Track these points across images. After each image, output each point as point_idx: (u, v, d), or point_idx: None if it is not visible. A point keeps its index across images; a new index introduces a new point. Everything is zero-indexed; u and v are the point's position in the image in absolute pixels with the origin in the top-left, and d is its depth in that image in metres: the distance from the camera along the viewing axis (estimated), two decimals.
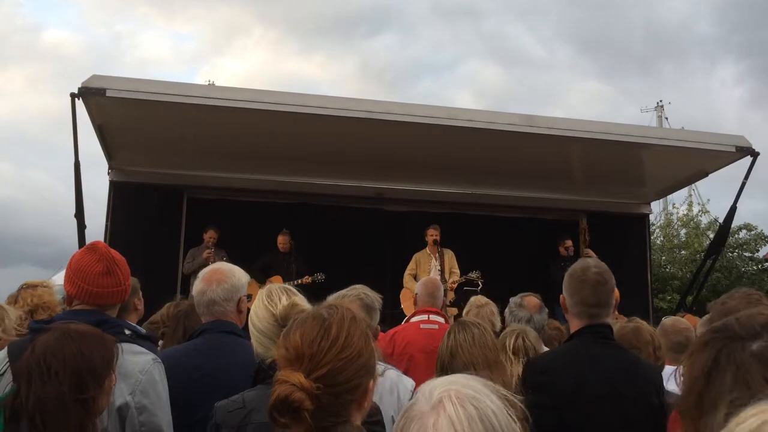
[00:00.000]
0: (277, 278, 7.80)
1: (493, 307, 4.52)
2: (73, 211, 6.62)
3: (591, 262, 2.79)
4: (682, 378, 1.32)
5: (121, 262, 2.47)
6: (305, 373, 1.33)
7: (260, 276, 7.89)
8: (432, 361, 2.97)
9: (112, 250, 2.48)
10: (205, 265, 6.90)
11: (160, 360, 2.36)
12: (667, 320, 3.89)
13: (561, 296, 2.77)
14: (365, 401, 1.43)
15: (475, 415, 1.05)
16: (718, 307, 2.49)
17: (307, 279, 7.75)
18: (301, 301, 2.20)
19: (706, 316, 3.27)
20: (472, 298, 4.84)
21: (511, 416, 1.09)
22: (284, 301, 2.15)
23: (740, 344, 1.23)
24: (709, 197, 22.52)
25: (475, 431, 1.03)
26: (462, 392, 1.09)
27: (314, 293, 2.40)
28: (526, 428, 1.16)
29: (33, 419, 1.67)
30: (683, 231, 21.94)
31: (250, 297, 2.89)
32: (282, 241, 8.26)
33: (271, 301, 2.17)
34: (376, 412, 2.00)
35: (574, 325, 2.70)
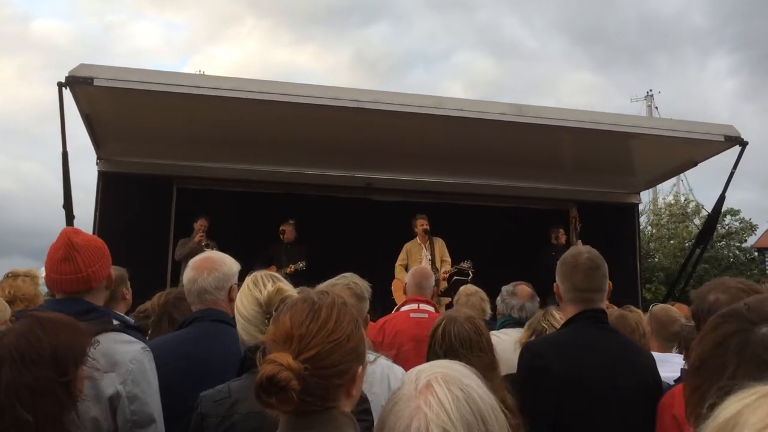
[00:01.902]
0: (273, 269, 7.81)
1: (483, 295, 4.55)
2: (63, 201, 6.61)
3: (583, 248, 2.78)
4: (689, 363, 1.33)
5: (84, 248, 2.34)
6: (293, 355, 1.33)
7: (262, 268, 7.84)
8: (422, 350, 2.96)
9: (80, 236, 2.39)
10: (198, 249, 6.93)
11: (149, 349, 2.33)
12: (657, 308, 3.91)
13: (555, 284, 2.76)
14: (354, 388, 1.42)
15: (461, 397, 1.07)
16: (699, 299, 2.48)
17: (290, 269, 7.74)
18: (287, 287, 2.19)
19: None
20: (462, 288, 4.86)
21: (495, 400, 1.10)
22: (269, 287, 2.15)
23: (750, 328, 1.24)
24: (699, 189, 22.78)
25: (462, 412, 1.05)
26: (449, 375, 1.11)
27: (304, 282, 2.39)
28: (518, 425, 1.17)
29: (7, 411, 1.61)
30: (667, 220, 22.13)
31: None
32: (281, 230, 8.25)
33: (256, 288, 2.16)
34: (363, 400, 2.00)
35: (569, 311, 2.70)
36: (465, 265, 7.90)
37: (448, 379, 1.09)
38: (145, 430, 2.20)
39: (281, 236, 8.24)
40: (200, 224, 7.93)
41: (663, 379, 2.71)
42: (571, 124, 7.03)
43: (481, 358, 2.54)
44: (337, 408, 1.38)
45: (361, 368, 1.44)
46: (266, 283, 2.17)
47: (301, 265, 7.82)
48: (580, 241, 8.38)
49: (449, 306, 6.64)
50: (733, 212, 20.55)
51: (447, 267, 7.94)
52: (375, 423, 1.21)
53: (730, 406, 0.87)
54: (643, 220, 21.75)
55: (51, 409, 1.66)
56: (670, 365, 2.94)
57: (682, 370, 2.67)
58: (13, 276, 3.33)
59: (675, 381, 2.54)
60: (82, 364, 1.79)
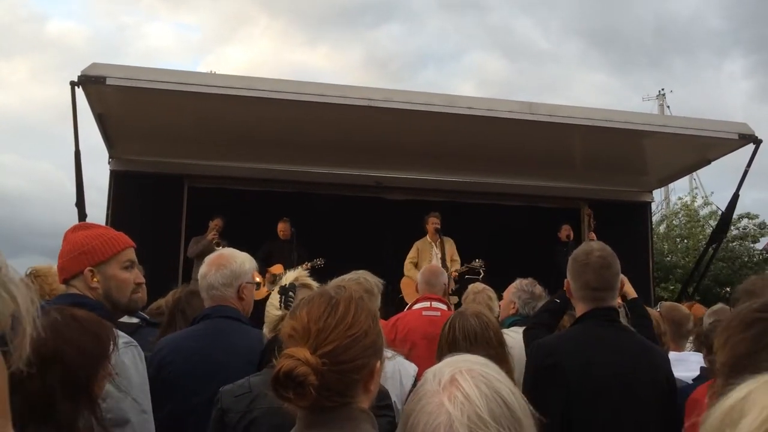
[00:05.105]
0: (278, 267, 7.79)
1: (490, 293, 4.53)
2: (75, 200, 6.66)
3: (594, 245, 2.74)
4: (718, 360, 1.28)
5: (66, 241, 2.38)
6: (311, 349, 1.32)
7: (261, 265, 7.89)
8: (434, 348, 2.95)
9: (77, 232, 2.41)
10: (210, 247, 6.96)
11: (136, 344, 2.25)
12: (667, 307, 3.87)
13: (565, 281, 2.75)
14: (372, 383, 1.41)
15: (487, 390, 1.05)
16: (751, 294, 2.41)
17: (306, 266, 7.72)
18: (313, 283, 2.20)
19: (716, 306, 3.26)
20: (470, 285, 4.85)
21: (519, 394, 1.09)
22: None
23: None
24: (714, 189, 22.47)
25: (490, 405, 1.03)
26: (473, 369, 1.09)
27: (315, 278, 2.38)
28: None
29: (32, 411, 1.56)
30: (684, 221, 21.98)
31: (259, 285, 2.86)
32: (282, 228, 8.25)
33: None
34: (385, 396, 2.00)
35: (580, 309, 2.68)
36: (476, 263, 7.88)
37: (471, 373, 1.08)
38: (123, 430, 2.08)
39: (288, 233, 8.24)
40: (215, 223, 7.97)
41: (681, 378, 2.68)
42: (583, 122, 6.99)
43: (487, 351, 2.51)
44: (354, 404, 1.37)
45: (379, 363, 1.42)
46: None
47: (318, 262, 7.79)
48: (593, 233, 8.32)
49: (458, 305, 6.63)
50: (751, 216, 20.32)
51: (456, 266, 7.91)
52: (398, 419, 1.19)
53: (737, 392, 0.85)
54: (656, 218, 21.66)
55: (72, 410, 1.62)
56: (687, 364, 2.91)
57: (702, 369, 2.64)
58: (42, 275, 3.31)
59: (694, 380, 2.51)
60: (106, 362, 1.76)
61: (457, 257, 8.02)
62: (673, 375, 2.62)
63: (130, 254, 2.44)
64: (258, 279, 2.81)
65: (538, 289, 4.16)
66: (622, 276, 2.89)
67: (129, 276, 2.41)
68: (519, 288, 4.19)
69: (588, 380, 2.47)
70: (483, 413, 1.02)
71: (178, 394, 2.34)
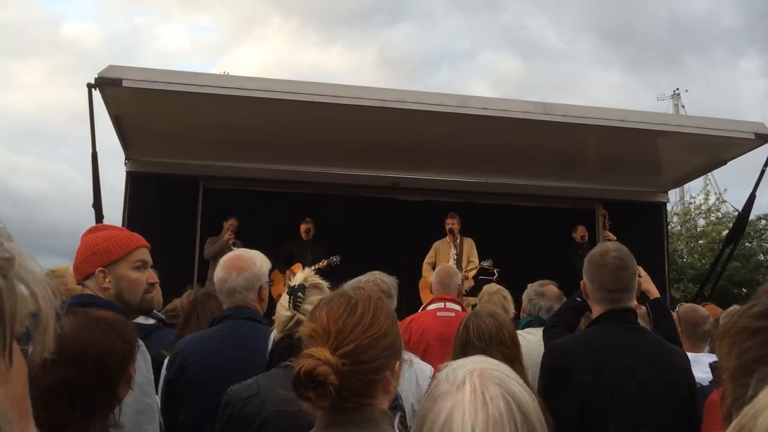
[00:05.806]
0: (298, 266, 7.82)
1: (505, 293, 4.52)
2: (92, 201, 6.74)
3: (610, 245, 2.72)
4: (723, 367, 1.27)
5: (81, 242, 2.41)
6: (331, 350, 1.33)
7: (282, 265, 7.94)
8: (448, 349, 2.95)
9: (90, 233, 2.44)
10: (227, 247, 6.99)
11: (141, 343, 2.15)
12: (685, 308, 3.85)
13: (581, 282, 2.73)
14: (391, 384, 1.42)
15: (499, 393, 1.05)
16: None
17: (322, 263, 7.74)
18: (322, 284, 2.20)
19: (731, 308, 3.24)
20: (485, 287, 4.85)
21: (532, 395, 1.09)
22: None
23: None
24: (726, 187, 22.16)
25: (501, 408, 1.03)
26: (486, 371, 1.09)
27: (331, 279, 2.39)
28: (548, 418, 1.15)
29: (44, 408, 1.58)
30: (701, 221, 21.73)
31: (272, 282, 2.87)
32: (303, 229, 8.28)
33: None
34: (396, 397, 2.00)
35: (596, 310, 2.66)
36: (486, 263, 7.86)
37: (484, 375, 1.08)
38: (117, 430, 1.97)
39: (308, 234, 8.27)
40: (230, 224, 8.02)
41: (696, 379, 2.65)
42: (598, 122, 6.96)
43: (501, 350, 2.50)
44: (374, 405, 1.38)
45: (398, 364, 1.43)
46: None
47: (335, 259, 7.82)
48: (609, 233, 8.28)
49: (475, 306, 6.62)
50: None
51: (472, 266, 7.91)
52: (413, 421, 1.20)
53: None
54: (675, 220, 21.46)
55: (88, 410, 1.62)
56: (702, 366, 2.89)
57: (714, 372, 2.62)
58: (60, 275, 3.32)
59: (710, 382, 2.49)
60: (129, 364, 1.77)
61: (475, 258, 8.01)
62: (693, 376, 2.58)
63: (142, 254, 2.45)
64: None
65: (549, 288, 4.16)
66: (644, 275, 2.85)
67: (140, 276, 2.41)
68: (530, 287, 4.21)
69: (601, 383, 2.45)
70: (496, 414, 1.02)
71: (201, 395, 2.34)
